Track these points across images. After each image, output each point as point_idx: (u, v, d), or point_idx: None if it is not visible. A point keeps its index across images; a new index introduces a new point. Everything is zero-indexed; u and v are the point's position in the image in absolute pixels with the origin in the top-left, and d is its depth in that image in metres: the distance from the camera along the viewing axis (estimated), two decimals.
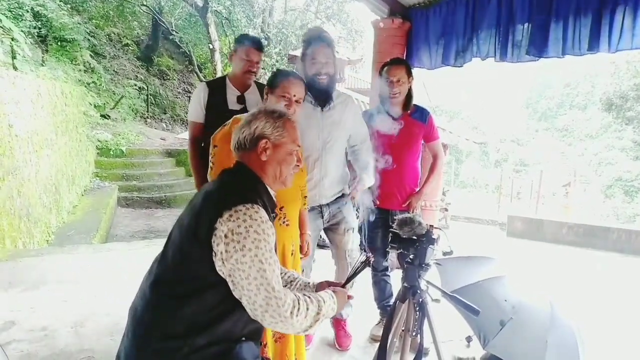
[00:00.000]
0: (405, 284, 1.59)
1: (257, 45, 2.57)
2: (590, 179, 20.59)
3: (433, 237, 1.54)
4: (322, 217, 2.49)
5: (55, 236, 6.05)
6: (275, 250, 1.37)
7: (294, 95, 1.94)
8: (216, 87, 2.60)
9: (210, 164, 1.91)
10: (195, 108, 2.57)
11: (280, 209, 1.96)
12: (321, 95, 2.40)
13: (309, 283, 1.58)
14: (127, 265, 4.10)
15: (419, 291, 1.57)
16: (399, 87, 2.66)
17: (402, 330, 1.63)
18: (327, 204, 2.50)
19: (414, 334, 1.58)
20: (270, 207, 1.40)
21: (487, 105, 31.35)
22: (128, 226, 8.46)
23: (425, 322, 1.61)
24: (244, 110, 2.50)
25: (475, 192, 24.26)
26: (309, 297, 1.32)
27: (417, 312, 1.56)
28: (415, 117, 2.79)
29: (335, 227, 2.57)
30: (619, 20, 2.57)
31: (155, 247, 4.72)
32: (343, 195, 2.59)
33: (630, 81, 17.56)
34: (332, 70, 2.40)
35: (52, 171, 6.56)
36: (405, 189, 2.80)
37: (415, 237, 1.54)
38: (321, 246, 3.46)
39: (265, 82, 2.14)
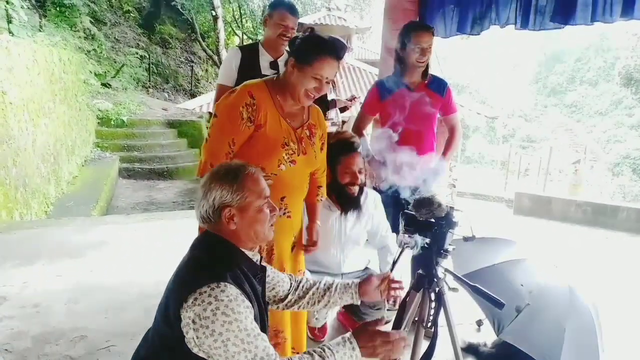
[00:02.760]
0: (421, 271, 1.43)
1: (292, 10, 2.48)
2: (598, 156, 20.32)
3: (454, 220, 1.38)
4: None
5: (54, 207, 5.94)
6: (260, 307, 1.28)
7: (326, 78, 1.63)
8: (249, 52, 2.50)
9: (207, 136, 1.70)
10: (227, 72, 2.49)
11: (282, 199, 1.74)
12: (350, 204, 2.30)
13: (348, 284, 1.49)
14: (126, 239, 3.98)
15: (435, 280, 1.41)
16: (425, 55, 2.45)
17: (415, 321, 1.48)
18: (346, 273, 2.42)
19: (428, 325, 1.44)
20: (252, 272, 1.29)
21: (495, 79, 30.79)
22: (129, 197, 8.35)
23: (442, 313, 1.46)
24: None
25: (481, 168, 24.05)
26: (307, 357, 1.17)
27: (433, 303, 1.41)
28: (432, 88, 2.58)
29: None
30: None
31: (154, 221, 4.60)
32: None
33: None
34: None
35: (51, 140, 6.40)
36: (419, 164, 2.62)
37: (433, 220, 1.38)
38: None
39: None
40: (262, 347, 1.11)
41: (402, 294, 1.43)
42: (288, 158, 1.67)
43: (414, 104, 2.50)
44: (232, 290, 1.13)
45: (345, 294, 1.48)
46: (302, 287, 1.50)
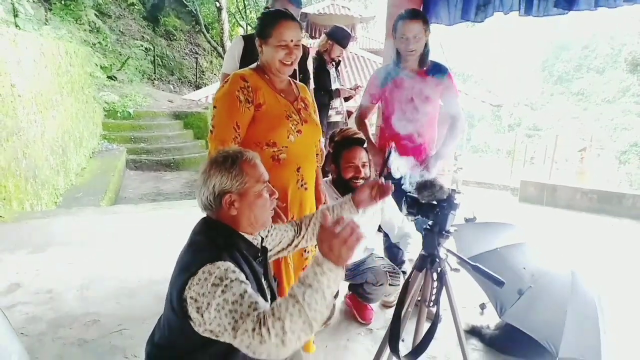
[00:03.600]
0: (424, 252, 1.47)
1: (293, 1, 2.62)
2: (605, 144, 20.18)
3: (455, 202, 1.42)
4: None
5: (63, 198, 6.03)
6: (261, 288, 1.30)
7: (291, 40, 1.72)
8: (252, 41, 2.52)
9: (211, 127, 1.76)
10: (230, 60, 2.59)
11: (298, 170, 1.83)
12: None
13: (343, 201, 1.60)
14: (134, 228, 4.05)
15: (437, 260, 1.45)
16: (415, 43, 2.43)
17: (418, 300, 1.53)
18: None
19: (430, 304, 1.48)
20: (252, 255, 1.31)
21: (501, 68, 30.53)
22: (137, 189, 8.44)
23: (443, 292, 1.50)
24: None
25: (487, 157, 23.95)
26: (283, 299, 1.08)
27: (435, 282, 1.45)
28: (432, 74, 2.58)
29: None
30: None
31: (162, 210, 4.67)
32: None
33: None
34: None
35: (59, 133, 6.48)
36: (421, 150, 2.64)
37: (435, 203, 1.42)
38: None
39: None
40: (247, 302, 1.08)
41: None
42: (294, 128, 1.77)
43: (414, 89, 2.52)
44: (226, 265, 1.15)
45: (343, 210, 1.57)
46: (304, 224, 1.57)
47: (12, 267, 3.09)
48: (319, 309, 1.03)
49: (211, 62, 18.58)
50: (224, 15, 14.33)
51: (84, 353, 2.20)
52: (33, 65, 5.54)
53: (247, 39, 2.58)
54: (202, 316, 1.10)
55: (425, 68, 2.57)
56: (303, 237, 1.54)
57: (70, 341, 2.29)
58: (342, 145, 2.31)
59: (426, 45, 2.55)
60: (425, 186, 1.44)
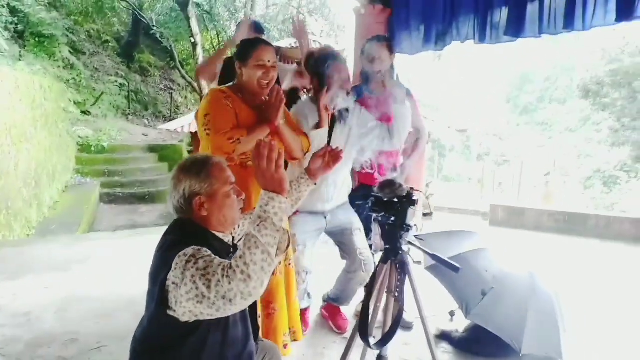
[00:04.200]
0: (387, 246, 1.61)
1: (256, 29, 2.90)
2: (570, 171, 20.96)
3: (414, 198, 1.58)
4: (326, 218, 2.48)
5: (36, 230, 5.96)
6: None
7: (268, 61, 1.92)
8: (230, 63, 2.70)
9: (206, 131, 1.90)
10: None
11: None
12: (345, 111, 2.45)
13: (299, 177, 1.74)
14: (111, 252, 4.07)
15: (400, 252, 1.59)
16: (380, 64, 2.65)
17: (385, 292, 1.66)
18: (330, 210, 2.49)
19: (396, 294, 1.61)
20: (224, 251, 1.40)
21: (468, 100, 31.68)
22: (111, 222, 8.36)
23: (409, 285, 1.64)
24: None
25: (459, 185, 24.50)
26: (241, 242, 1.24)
27: (399, 273, 1.59)
28: (394, 92, 2.80)
29: (341, 231, 2.54)
30: None
31: (138, 237, 4.69)
32: (344, 203, 2.60)
33: (606, 67, 17.94)
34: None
35: (32, 165, 6.46)
36: (386, 166, 2.82)
37: (396, 200, 1.57)
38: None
39: None
40: (214, 264, 1.16)
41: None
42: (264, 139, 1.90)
43: (377, 108, 2.71)
44: (197, 249, 1.22)
45: (301, 185, 1.72)
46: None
47: None
48: (271, 234, 1.13)
49: (186, 97, 18.74)
50: (199, 51, 14.60)
51: None
52: (8, 98, 5.59)
53: (227, 60, 2.77)
54: (179, 288, 1.17)
55: (387, 87, 2.79)
56: None
57: (50, 358, 2.31)
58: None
59: (392, 67, 2.78)
60: (387, 185, 1.60)
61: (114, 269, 3.63)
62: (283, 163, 1.20)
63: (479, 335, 2.45)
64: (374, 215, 1.61)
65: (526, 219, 9.14)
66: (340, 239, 2.56)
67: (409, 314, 2.83)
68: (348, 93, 2.41)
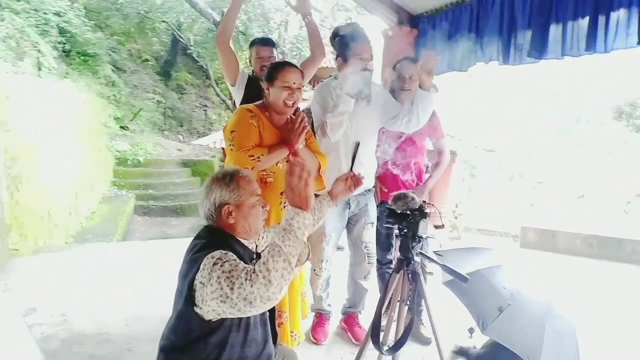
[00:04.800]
0: (400, 256, 1.69)
1: (264, 42, 2.92)
2: (607, 193, 20.32)
3: (425, 211, 1.65)
4: (349, 208, 2.62)
5: (74, 239, 6.25)
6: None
7: (294, 83, 2.06)
8: (255, 80, 2.81)
9: (230, 146, 2.05)
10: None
11: (281, 193, 2.09)
12: (366, 90, 2.53)
13: (322, 197, 1.80)
14: (142, 261, 4.25)
15: (412, 262, 1.67)
16: (410, 83, 2.79)
17: (398, 301, 1.73)
18: (356, 196, 2.61)
19: (407, 303, 1.68)
20: (247, 255, 1.51)
21: (501, 120, 31.24)
22: (144, 233, 8.64)
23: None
24: None
25: (491, 206, 24.04)
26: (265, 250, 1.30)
27: (411, 282, 1.66)
28: None
29: (357, 219, 2.68)
30: (614, 20, 2.67)
31: (169, 247, 4.88)
32: (370, 190, 2.72)
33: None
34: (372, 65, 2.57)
35: (73, 177, 6.80)
36: (408, 183, 2.90)
37: (408, 212, 1.65)
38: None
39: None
40: (238, 269, 1.26)
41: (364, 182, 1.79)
42: (284, 158, 2.01)
43: None
44: (224, 253, 1.33)
45: (323, 205, 1.77)
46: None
47: (28, 293, 3.29)
48: (293, 245, 1.22)
49: (220, 114, 19.28)
50: None
51: None
52: (53, 115, 5.95)
53: (251, 78, 2.85)
54: (205, 287, 1.28)
55: None
56: None
57: (83, 357, 2.47)
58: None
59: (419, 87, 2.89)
60: (400, 197, 1.69)
61: (145, 276, 3.80)
62: (312, 183, 1.29)
63: (496, 352, 2.46)
64: (396, 231, 1.70)
65: (558, 242, 8.92)
66: (353, 229, 2.70)
67: (428, 329, 2.88)
68: (370, 71, 2.51)
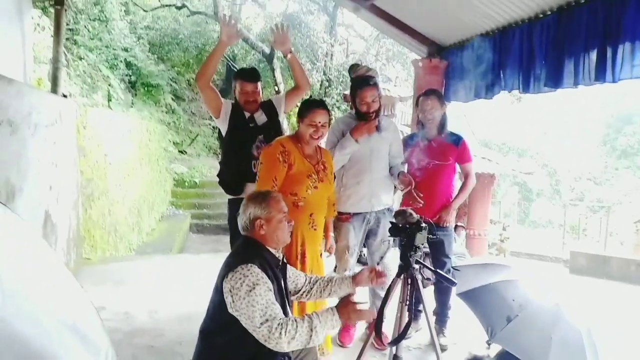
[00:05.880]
0: (400, 263, 1.99)
1: (249, 78, 2.96)
2: None
3: (422, 225, 1.95)
4: (369, 224, 2.97)
5: (135, 252, 6.90)
6: (280, 289, 1.82)
7: (319, 122, 2.41)
8: (237, 107, 3.04)
9: (258, 177, 2.46)
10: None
11: (310, 215, 2.45)
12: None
13: (345, 277, 2.05)
14: (195, 271, 4.73)
15: (410, 269, 1.97)
16: (431, 113, 3.12)
17: (400, 302, 2.02)
18: (376, 212, 2.96)
19: (407, 303, 1.97)
20: (274, 263, 1.85)
21: (559, 142, 30.21)
22: (198, 249, 9.24)
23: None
24: (256, 127, 2.99)
25: (545, 231, 23.19)
26: (302, 318, 1.66)
27: (409, 286, 1.96)
28: (449, 140, 3.20)
29: (374, 235, 3.03)
30: (620, 54, 2.88)
31: (220, 259, 5.32)
32: (389, 209, 3.03)
33: None
34: (378, 104, 2.91)
35: (136, 196, 7.52)
36: (435, 204, 3.16)
37: (407, 225, 1.96)
38: (361, 262, 3.87)
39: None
40: (272, 309, 1.63)
41: (387, 280, 1.99)
42: (312, 184, 2.39)
43: (430, 151, 3.13)
44: (256, 270, 1.69)
45: (342, 284, 2.01)
46: (312, 280, 2.07)
47: (98, 295, 3.81)
48: (319, 337, 1.63)
49: None
50: None
51: (152, 355, 2.81)
52: (120, 140, 6.69)
53: (235, 106, 3.03)
54: (234, 302, 1.65)
55: (442, 135, 3.19)
56: (308, 292, 2.03)
57: (142, 347, 2.91)
58: (356, 84, 2.86)
59: (443, 115, 3.20)
60: (400, 213, 2.00)
61: (196, 283, 4.25)
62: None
63: None
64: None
65: (611, 268, 8.66)
66: (371, 244, 3.05)
67: (447, 338, 3.12)
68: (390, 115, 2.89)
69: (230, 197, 3.09)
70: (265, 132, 2.94)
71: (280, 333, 1.57)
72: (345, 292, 2.02)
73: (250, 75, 2.99)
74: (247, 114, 2.99)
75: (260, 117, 3.02)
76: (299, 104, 2.78)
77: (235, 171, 2.97)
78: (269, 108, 3.08)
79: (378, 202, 2.94)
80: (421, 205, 2.92)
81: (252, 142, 2.92)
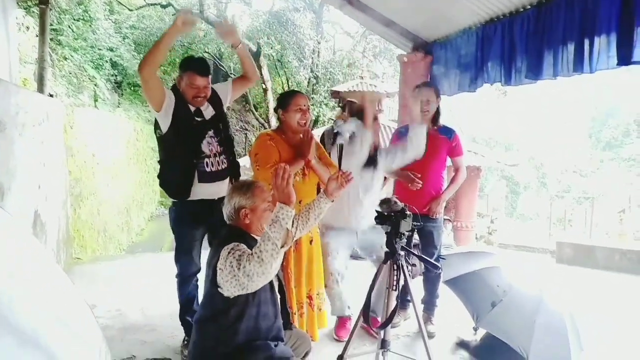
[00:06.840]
0: (386, 250, 2.05)
1: (202, 72, 2.57)
2: None
3: (406, 213, 2.01)
4: (357, 237, 2.99)
5: (125, 252, 6.90)
6: None
7: (304, 105, 2.49)
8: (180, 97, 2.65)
9: (256, 166, 2.51)
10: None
11: (300, 202, 2.48)
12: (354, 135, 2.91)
13: (318, 196, 2.08)
14: None
15: (396, 254, 2.03)
16: (428, 106, 3.16)
17: (387, 288, 2.09)
18: (362, 231, 2.98)
19: (394, 288, 2.03)
20: None
21: (545, 136, 30.58)
22: None
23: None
24: (203, 121, 2.66)
25: (533, 223, 23.50)
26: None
27: (395, 272, 2.02)
28: (441, 132, 3.26)
29: (364, 252, 3.10)
30: (597, 45, 2.96)
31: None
32: (375, 227, 3.04)
33: None
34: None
35: (125, 196, 7.51)
36: (425, 195, 3.21)
37: (392, 213, 2.02)
38: (354, 257, 3.92)
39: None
40: (241, 252, 1.67)
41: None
42: (300, 172, 2.44)
43: (425, 144, 3.15)
44: (243, 246, 1.72)
45: (320, 203, 2.01)
46: (295, 219, 2.00)
47: (89, 293, 3.83)
48: (279, 232, 1.61)
49: None
50: (270, 95, 15.80)
51: (145, 349, 2.84)
52: (108, 140, 6.67)
53: (179, 102, 2.61)
54: (222, 271, 1.69)
55: (436, 128, 3.25)
56: (297, 228, 2.01)
57: (135, 342, 2.94)
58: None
59: (437, 109, 3.26)
60: (385, 202, 2.06)
61: None
62: (291, 181, 1.69)
63: (492, 343, 2.74)
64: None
65: (596, 258, 8.80)
66: (370, 254, 3.05)
67: (435, 325, 3.19)
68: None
69: (174, 200, 2.80)
70: (214, 126, 2.69)
71: (248, 259, 1.61)
72: (326, 207, 2.02)
73: (204, 68, 2.61)
74: (192, 108, 2.65)
75: (207, 110, 2.70)
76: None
77: (182, 171, 2.63)
78: (214, 98, 2.75)
79: (366, 222, 2.94)
80: (419, 186, 3.01)
81: (201, 139, 2.63)
